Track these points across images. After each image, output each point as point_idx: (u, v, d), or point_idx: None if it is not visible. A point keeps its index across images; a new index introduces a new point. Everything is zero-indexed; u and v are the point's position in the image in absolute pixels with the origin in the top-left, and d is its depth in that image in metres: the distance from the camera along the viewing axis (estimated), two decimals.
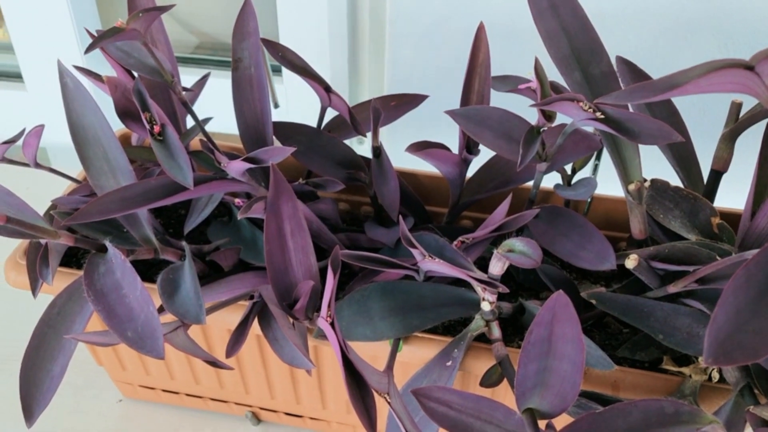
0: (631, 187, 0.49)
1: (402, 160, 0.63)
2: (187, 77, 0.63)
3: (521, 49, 0.77)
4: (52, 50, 0.96)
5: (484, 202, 0.62)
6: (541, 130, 0.47)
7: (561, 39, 0.50)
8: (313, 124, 0.60)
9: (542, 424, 0.42)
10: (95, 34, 0.48)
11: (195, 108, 0.58)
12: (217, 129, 0.77)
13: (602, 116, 0.42)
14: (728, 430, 0.45)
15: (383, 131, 0.93)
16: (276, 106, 0.83)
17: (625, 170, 0.50)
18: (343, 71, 0.89)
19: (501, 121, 0.49)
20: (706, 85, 0.33)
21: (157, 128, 0.49)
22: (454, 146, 0.56)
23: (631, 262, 0.45)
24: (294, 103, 0.98)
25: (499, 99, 0.54)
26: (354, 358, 0.42)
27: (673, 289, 0.46)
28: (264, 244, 0.45)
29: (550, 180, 0.59)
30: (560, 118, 0.47)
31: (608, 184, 0.60)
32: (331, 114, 0.61)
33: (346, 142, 0.61)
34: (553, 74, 0.51)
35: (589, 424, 0.37)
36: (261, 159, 0.48)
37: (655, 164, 0.60)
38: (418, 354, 0.52)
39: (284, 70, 0.94)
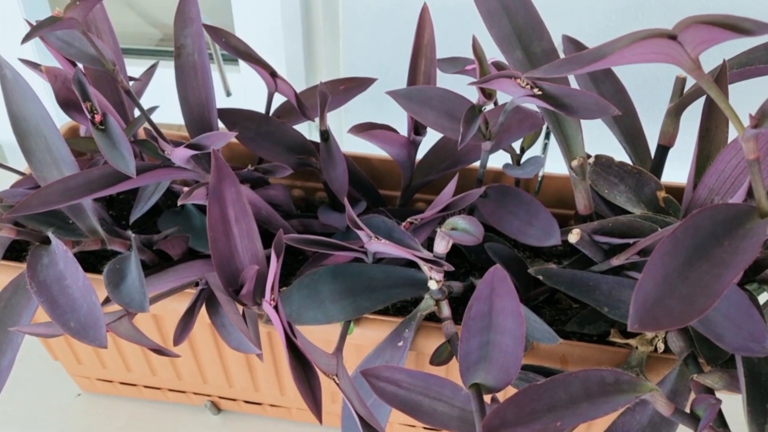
0: (574, 163, 0.49)
1: (359, 145, 0.62)
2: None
3: (471, 32, 0.77)
4: (3, 45, 0.95)
5: (436, 184, 0.62)
6: (483, 108, 0.47)
7: (502, 17, 0.50)
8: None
9: (488, 398, 0.42)
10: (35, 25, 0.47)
11: (151, 99, 0.58)
12: (174, 120, 0.76)
13: (540, 92, 0.43)
14: (673, 398, 0.46)
15: (343, 116, 0.93)
16: (228, 94, 0.82)
17: (568, 147, 0.50)
18: (299, 58, 0.89)
19: (443, 100, 0.49)
20: (632, 56, 0.33)
21: (98, 117, 0.49)
22: None
23: (573, 236, 0.45)
24: (252, 93, 0.98)
25: (449, 82, 0.54)
26: (300, 341, 0.42)
27: (616, 261, 0.47)
28: (208, 230, 0.45)
29: (503, 161, 0.59)
30: (507, 98, 0.47)
31: (560, 162, 0.61)
32: (281, 100, 0.61)
33: (303, 127, 0.61)
34: (498, 55, 0.51)
35: (531, 396, 0.37)
36: (203, 145, 0.48)
37: (603, 142, 0.60)
38: (370, 336, 0.52)
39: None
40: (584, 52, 0.34)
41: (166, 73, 0.65)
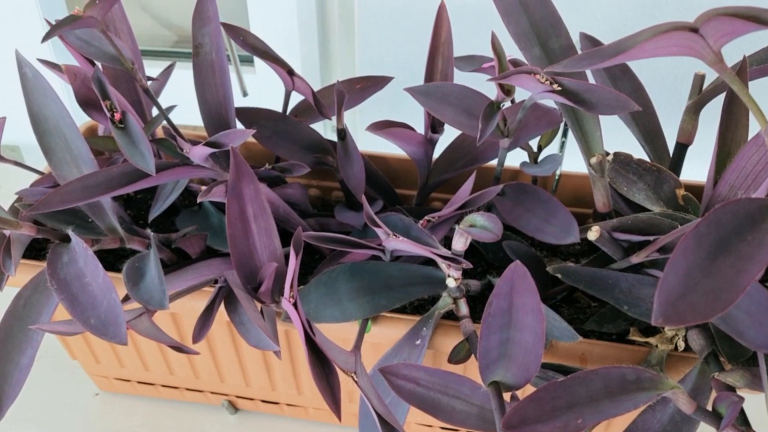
0: (593, 160, 0.49)
1: (375, 145, 0.62)
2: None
3: (487, 30, 0.77)
4: (19, 45, 0.95)
5: (453, 182, 0.62)
6: (501, 105, 0.47)
7: (519, 14, 0.50)
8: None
9: (507, 396, 0.42)
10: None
11: (170, 100, 0.58)
12: (191, 122, 0.77)
13: (559, 88, 0.42)
14: (694, 396, 0.46)
15: (357, 117, 0.93)
16: (245, 94, 0.82)
17: (587, 143, 0.50)
18: (314, 57, 0.89)
19: (461, 97, 0.49)
20: (653, 49, 0.33)
21: (117, 116, 0.49)
22: None
23: (593, 233, 0.45)
24: (268, 94, 0.98)
25: (467, 81, 0.54)
26: (319, 338, 0.42)
27: (636, 259, 0.46)
28: (226, 227, 0.45)
29: (520, 159, 0.59)
30: (524, 95, 0.47)
31: (577, 161, 0.61)
32: (298, 99, 0.61)
33: (319, 127, 0.61)
34: (515, 52, 0.51)
35: (552, 393, 0.37)
36: (222, 143, 0.48)
37: (621, 139, 0.60)
38: (387, 334, 0.52)
39: (256, 60, 0.94)
40: (605, 46, 0.34)
41: (182, 75, 0.66)
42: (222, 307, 0.51)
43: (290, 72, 0.56)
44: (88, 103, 0.53)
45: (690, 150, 0.57)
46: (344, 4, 0.86)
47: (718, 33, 0.31)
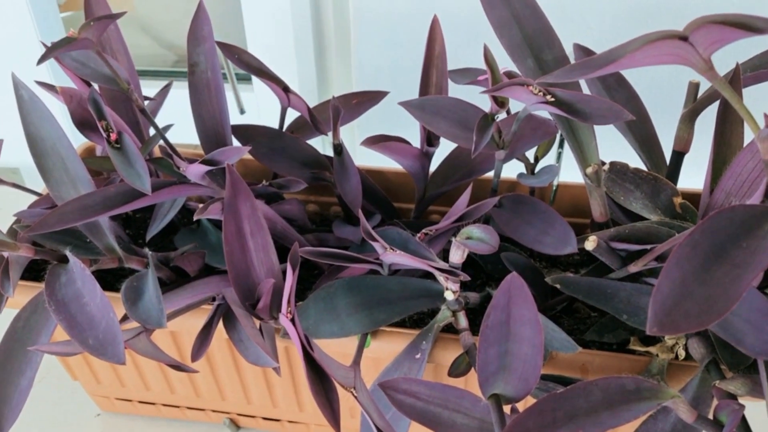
0: (589, 170, 0.49)
1: (373, 159, 0.62)
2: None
3: (481, 43, 0.77)
4: (19, 68, 0.96)
5: (450, 195, 0.62)
6: (496, 117, 0.47)
7: (512, 27, 0.50)
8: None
9: (508, 408, 0.42)
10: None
11: (169, 120, 0.58)
12: (190, 141, 0.77)
13: (552, 99, 0.43)
14: (696, 405, 0.46)
15: (356, 131, 0.93)
16: (242, 112, 0.83)
17: (582, 153, 0.50)
18: (311, 74, 0.90)
19: (455, 110, 0.49)
20: (644, 58, 0.33)
21: (113, 136, 0.49)
22: None
23: (590, 243, 0.45)
24: (266, 111, 0.99)
25: (462, 94, 0.54)
26: (318, 354, 0.41)
27: (634, 268, 0.46)
28: (224, 244, 0.45)
29: (517, 171, 0.59)
30: (519, 107, 0.47)
31: (575, 172, 0.61)
32: (294, 116, 0.62)
33: (317, 142, 0.61)
34: (509, 64, 0.51)
35: (551, 405, 0.37)
36: (218, 160, 0.48)
37: (618, 149, 0.60)
38: (387, 348, 0.52)
39: (254, 79, 0.95)
40: (596, 56, 0.34)
41: (181, 94, 0.66)
42: (221, 325, 0.51)
43: (285, 89, 0.56)
44: (84, 124, 0.53)
45: (687, 158, 0.57)
46: (340, 20, 0.86)
47: (708, 41, 0.31)
